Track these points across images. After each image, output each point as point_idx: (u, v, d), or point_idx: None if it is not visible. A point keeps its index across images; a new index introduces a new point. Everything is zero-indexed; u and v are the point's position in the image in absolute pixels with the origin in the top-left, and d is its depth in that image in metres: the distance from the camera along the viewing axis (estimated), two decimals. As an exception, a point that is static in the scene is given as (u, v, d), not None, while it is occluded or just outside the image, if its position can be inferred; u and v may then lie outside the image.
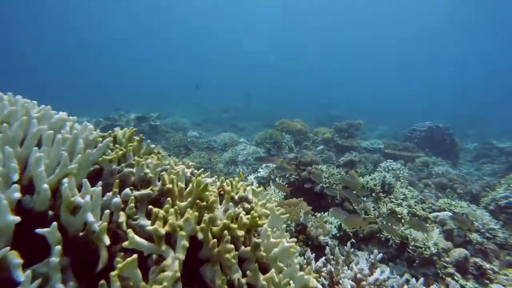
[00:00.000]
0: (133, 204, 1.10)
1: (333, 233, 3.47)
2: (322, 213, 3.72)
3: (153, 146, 1.66)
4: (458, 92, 39.01)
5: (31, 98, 1.36)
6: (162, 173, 1.33)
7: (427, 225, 3.69)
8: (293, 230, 2.88)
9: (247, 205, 1.30)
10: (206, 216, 1.03)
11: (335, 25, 46.49)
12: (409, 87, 42.33)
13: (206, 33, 49.87)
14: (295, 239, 1.22)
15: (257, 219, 1.15)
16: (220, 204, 1.27)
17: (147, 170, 1.27)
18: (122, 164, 1.30)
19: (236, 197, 1.32)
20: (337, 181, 4.36)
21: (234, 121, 15.20)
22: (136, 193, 1.17)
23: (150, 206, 1.10)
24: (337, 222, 3.61)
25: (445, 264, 3.18)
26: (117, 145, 1.50)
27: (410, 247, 3.24)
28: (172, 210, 1.03)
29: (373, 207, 3.91)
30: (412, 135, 9.93)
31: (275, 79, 40.73)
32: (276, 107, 18.15)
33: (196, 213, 1.06)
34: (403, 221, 3.47)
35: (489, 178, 7.78)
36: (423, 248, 3.15)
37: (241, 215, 1.13)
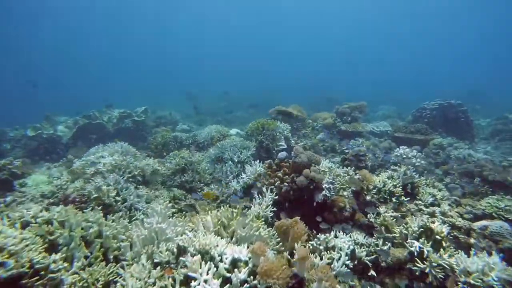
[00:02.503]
0: None
1: (344, 262, 2.34)
2: (327, 234, 2.58)
3: None
4: (451, 68, 36.96)
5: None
6: None
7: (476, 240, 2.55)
8: None
9: None
10: None
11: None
12: (399, 64, 40.11)
13: (198, 20, 47.51)
14: None
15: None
16: None
17: None
18: None
19: None
20: (345, 184, 3.20)
21: (230, 110, 14.00)
22: None
23: None
24: (349, 246, 2.48)
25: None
26: None
27: (461, 285, 2.11)
28: None
29: (394, 218, 2.76)
30: (422, 114, 8.67)
31: (267, 64, 38.83)
32: (271, 94, 16.77)
33: None
34: (444, 243, 2.32)
35: (515, 159, 6.56)
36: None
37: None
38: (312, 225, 2.95)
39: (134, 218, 3.10)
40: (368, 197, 3.17)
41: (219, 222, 2.22)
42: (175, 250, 1.97)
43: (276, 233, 2.40)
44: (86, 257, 2.01)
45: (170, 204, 3.43)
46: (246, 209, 2.91)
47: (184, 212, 3.25)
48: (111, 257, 2.13)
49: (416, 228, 2.38)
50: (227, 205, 2.51)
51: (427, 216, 2.70)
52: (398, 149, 5.65)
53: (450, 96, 9.25)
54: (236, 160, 5.20)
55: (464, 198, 3.83)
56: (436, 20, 40.06)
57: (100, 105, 9.77)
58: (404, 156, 5.30)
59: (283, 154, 3.23)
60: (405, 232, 2.46)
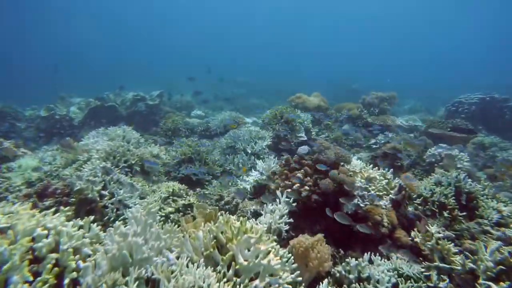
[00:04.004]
0: None
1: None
2: (360, 258, 1.90)
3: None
4: (481, 60, 33.70)
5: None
6: None
7: None
8: None
9: None
10: None
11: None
12: (423, 57, 37.09)
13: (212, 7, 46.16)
14: None
15: None
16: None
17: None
18: None
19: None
20: (382, 190, 2.48)
21: (247, 98, 13.29)
22: None
23: None
24: (389, 278, 1.78)
25: None
26: None
27: None
28: None
29: (453, 243, 2.02)
30: (458, 109, 7.65)
31: (287, 53, 37.12)
32: (289, 83, 15.76)
33: None
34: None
35: None
36: None
37: None
38: (338, 241, 2.28)
39: (121, 218, 2.53)
40: (410, 209, 2.44)
41: (214, 241, 1.58)
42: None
43: (292, 256, 1.73)
44: (28, 283, 1.43)
45: (167, 202, 2.85)
46: (253, 219, 2.26)
47: (180, 214, 2.64)
48: (67, 281, 1.54)
49: (492, 264, 1.65)
50: (227, 213, 1.86)
51: (498, 242, 1.95)
52: (434, 147, 4.81)
53: (488, 90, 8.12)
54: (250, 152, 4.55)
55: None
56: (462, 8, 36.77)
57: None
58: (443, 156, 4.46)
59: (304, 149, 2.53)
60: (472, 266, 1.73)
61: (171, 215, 2.67)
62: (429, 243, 1.99)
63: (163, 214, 2.67)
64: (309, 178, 2.34)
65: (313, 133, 6.24)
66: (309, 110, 7.05)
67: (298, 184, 2.29)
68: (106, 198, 2.60)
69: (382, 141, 5.93)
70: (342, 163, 2.40)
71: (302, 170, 2.39)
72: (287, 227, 2.05)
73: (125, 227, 1.80)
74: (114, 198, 2.63)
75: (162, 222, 2.64)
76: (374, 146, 6.00)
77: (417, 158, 4.70)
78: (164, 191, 2.98)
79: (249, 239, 1.57)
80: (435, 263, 1.89)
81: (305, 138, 5.60)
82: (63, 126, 7.20)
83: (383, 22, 42.28)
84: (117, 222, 1.87)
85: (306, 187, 2.27)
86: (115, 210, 2.59)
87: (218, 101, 11.57)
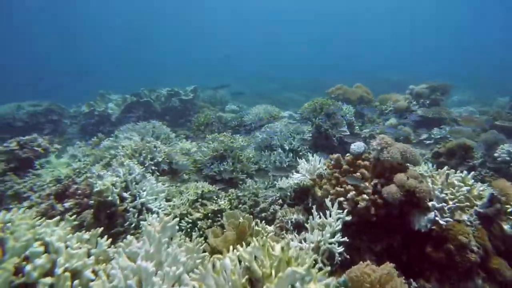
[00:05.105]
0: None
1: None
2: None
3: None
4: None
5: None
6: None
7: None
8: None
9: None
10: None
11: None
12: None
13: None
14: None
15: None
16: None
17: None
18: None
19: None
20: (462, 201, 1.87)
21: (281, 92, 12.72)
22: None
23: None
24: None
25: None
26: None
27: None
28: None
29: None
30: (529, 99, 6.48)
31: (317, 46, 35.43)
32: (325, 76, 14.81)
33: None
34: None
35: None
36: None
37: None
38: (404, 265, 1.73)
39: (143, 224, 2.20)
40: (506, 227, 1.81)
41: (246, 277, 1.13)
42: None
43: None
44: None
45: (194, 206, 2.47)
46: (296, 233, 1.78)
47: (209, 222, 2.24)
48: (60, 315, 1.19)
49: None
50: (263, 223, 1.41)
51: None
52: (508, 144, 3.95)
53: None
54: (288, 148, 4.06)
55: None
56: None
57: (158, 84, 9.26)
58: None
59: (359, 147, 1.98)
60: None
61: (199, 222, 2.28)
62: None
63: (190, 220, 2.30)
64: (367, 184, 1.81)
65: (356, 127, 5.58)
66: (351, 102, 6.36)
67: (354, 192, 1.77)
68: (127, 201, 2.28)
69: (438, 136, 5.12)
70: (409, 163, 1.83)
71: (358, 174, 1.86)
72: (341, 249, 1.55)
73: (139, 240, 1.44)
74: (136, 201, 2.30)
75: (188, 229, 2.29)
76: (427, 141, 5.21)
77: (484, 156, 3.88)
78: (192, 193, 2.60)
79: (295, 275, 1.09)
80: None
81: (348, 133, 4.98)
82: (101, 122, 7.25)
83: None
84: (128, 236, 1.49)
85: (365, 196, 1.74)
86: (136, 214, 2.26)
87: (253, 95, 11.17)
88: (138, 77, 17.30)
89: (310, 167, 2.12)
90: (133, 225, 2.21)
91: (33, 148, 3.56)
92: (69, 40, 36.30)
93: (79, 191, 2.40)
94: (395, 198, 1.70)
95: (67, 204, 2.31)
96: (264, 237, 1.32)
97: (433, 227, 1.71)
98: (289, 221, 2.07)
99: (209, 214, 2.33)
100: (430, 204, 1.68)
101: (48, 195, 2.45)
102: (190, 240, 2.16)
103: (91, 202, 2.30)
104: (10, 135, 5.76)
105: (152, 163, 2.97)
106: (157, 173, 3.00)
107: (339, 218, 1.67)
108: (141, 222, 2.23)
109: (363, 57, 26.35)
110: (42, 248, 1.29)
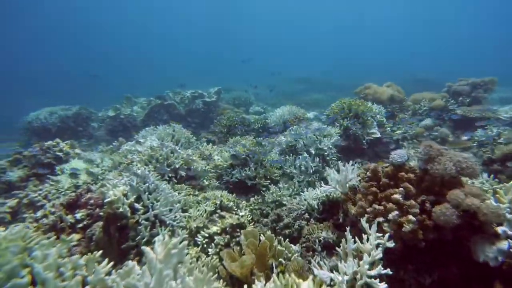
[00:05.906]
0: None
1: None
2: None
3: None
4: None
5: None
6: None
7: None
8: None
9: None
10: None
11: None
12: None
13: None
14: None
15: None
16: None
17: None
18: None
19: None
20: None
21: (308, 93, 12.31)
22: None
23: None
24: None
25: None
26: None
27: None
28: None
29: None
30: None
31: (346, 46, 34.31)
32: (352, 77, 14.16)
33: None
34: None
35: None
36: None
37: None
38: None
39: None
40: None
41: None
42: None
43: None
44: None
45: (212, 218, 2.24)
46: (325, 257, 1.49)
47: (227, 237, 2.00)
48: None
49: None
50: (287, 241, 1.14)
51: None
52: None
53: None
54: (314, 152, 3.75)
55: None
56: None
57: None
58: None
59: (401, 156, 1.64)
60: None
61: (216, 237, 2.04)
62: None
63: (207, 235, 2.07)
64: (412, 201, 1.48)
65: (387, 128, 5.13)
66: (381, 102, 5.90)
67: (397, 212, 1.44)
68: (139, 213, 2.09)
69: (483, 138, 4.56)
70: (468, 176, 1.48)
71: (401, 189, 1.53)
72: (384, 286, 1.23)
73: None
74: (149, 213, 2.10)
75: (204, 244, 2.06)
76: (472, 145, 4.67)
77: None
78: (210, 203, 2.38)
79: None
80: None
81: (378, 135, 4.57)
82: (126, 125, 7.29)
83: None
84: (130, 262, 1.27)
85: (411, 217, 1.41)
86: (149, 228, 2.06)
87: (278, 96, 10.87)
88: (168, 77, 17.65)
89: (341, 178, 1.81)
90: (145, 239, 2.01)
91: (55, 153, 3.52)
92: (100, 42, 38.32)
93: (91, 201, 2.26)
94: (448, 221, 1.35)
95: (78, 215, 2.16)
96: (287, 276, 1.04)
97: (507, 259, 1.35)
98: (317, 240, 1.78)
99: (227, 229, 2.08)
100: (499, 230, 1.32)
101: (61, 205, 2.33)
102: (207, 256, 1.94)
103: (101, 213, 2.14)
104: (45, 139, 5.92)
105: (169, 169, 2.79)
106: (175, 180, 2.80)
107: (379, 244, 1.36)
108: (154, 236, 2.04)
109: (391, 55, 25.18)
110: (27, 279, 1.11)
